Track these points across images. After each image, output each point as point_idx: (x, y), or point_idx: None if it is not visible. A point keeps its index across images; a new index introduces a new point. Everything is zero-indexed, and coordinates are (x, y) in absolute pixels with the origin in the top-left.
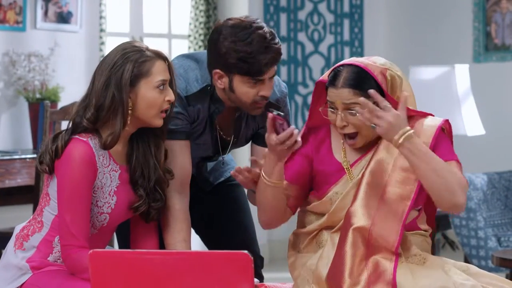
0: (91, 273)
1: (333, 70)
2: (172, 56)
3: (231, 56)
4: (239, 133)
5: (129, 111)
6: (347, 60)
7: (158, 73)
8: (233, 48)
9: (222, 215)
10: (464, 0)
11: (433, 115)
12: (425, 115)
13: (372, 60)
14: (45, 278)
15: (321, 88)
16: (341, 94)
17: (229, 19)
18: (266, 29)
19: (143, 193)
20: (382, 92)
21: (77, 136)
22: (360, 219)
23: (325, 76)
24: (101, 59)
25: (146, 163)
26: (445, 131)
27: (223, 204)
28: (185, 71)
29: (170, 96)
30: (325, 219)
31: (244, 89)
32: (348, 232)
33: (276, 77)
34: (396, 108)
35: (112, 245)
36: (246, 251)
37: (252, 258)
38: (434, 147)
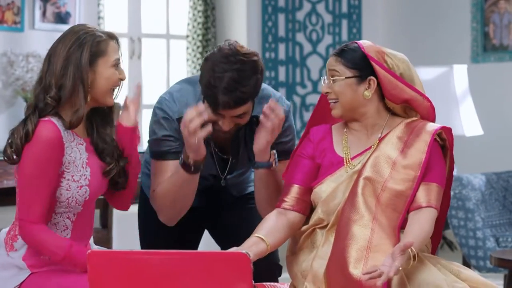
0: (89, 273)
1: None
2: (170, 57)
3: (203, 80)
4: (238, 153)
5: (88, 90)
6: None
7: (113, 52)
8: (207, 74)
9: (241, 226)
10: (462, 1)
11: (433, 107)
12: (425, 98)
13: (379, 46)
14: (42, 278)
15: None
16: (330, 61)
17: (230, 44)
18: (244, 73)
19: (110, 159)
20: (369, 71)
21: (42, 119)
22: (362, 216)
23: None
24: (53, 44)
25: (106, 135)
26: (446, 142)
27: (241, 213)
28: (181, 95)
29: (122, 75)
30: (319, 210)
31: (209, 113)
32: (351, 227)
33: (278, 94)
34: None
35: (110, 246)
36: (244, 251)
37: (250, 258)
38: (429, 157)
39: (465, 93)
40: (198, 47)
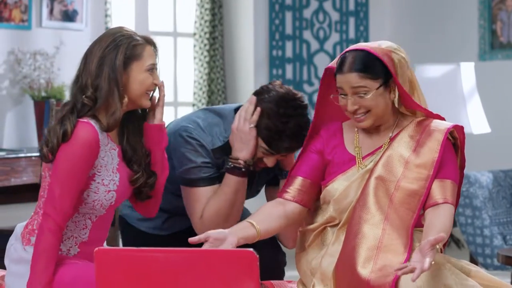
0: (96, 270)
1: (340, 57)
2: (178, 55)
3: (263, 119)
4: (252, 184)
5: (123, 92)
6: (353, 46)
7: (149, 57)
8: (270, 113)
9: None
10: None
11: (443, 118)
12: (433, 116)
13: (378, 44)
14: (59, 272)
15: (330, 76)
16: (348, 79)
17: (282, 86)
18: (304, 118)
19: (138, 167)
20: (388, 73)
21: (80, 120)
22: (373, 216)
23: (334, 63)
24: (91, 45)
25: (136, 143)
26: (457, 140)
27: None
28: (209, 124)
29: (157, 80)
30: (331, 208)
31: (258, 151)
32: (361, 226)
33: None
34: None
35: (117, 244)
36: (251, 249)
37: (257, 256)
38: (442, 156)
39: (472, 90)
40: (205, 45)
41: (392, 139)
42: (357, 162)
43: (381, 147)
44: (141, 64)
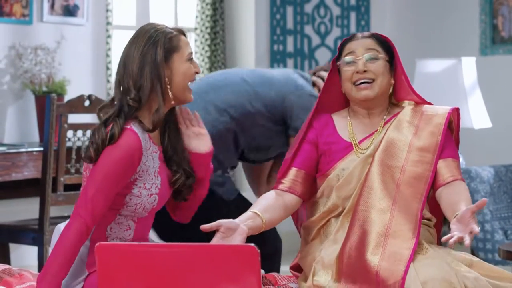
0: (98, 266)
1: (351, 35)
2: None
3: None
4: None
5: (168, 87)
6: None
7: (186, 46)
8: None
9: None
10: None
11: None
12: (427, 103)
13: None
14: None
15: (334, 68)
16: (364, 42)
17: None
18: None
19: (177, 168)
20: (392, 59)
21: (130, 127)
22: (380, 202)
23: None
24: (125, 47)
25: (177, 142)
26: (452, 123)
27: None
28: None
29: (197, 68)
30: (334, 195)
31: None
32: (369, 213)
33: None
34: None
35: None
36: (252, 244)
37: (258, 251)
38: (444, 139)
39: (474, 85)
40: (206, 39)
41: (386, 123)
42: (354, 147)
43: (376, 130)
44: (180, 55)
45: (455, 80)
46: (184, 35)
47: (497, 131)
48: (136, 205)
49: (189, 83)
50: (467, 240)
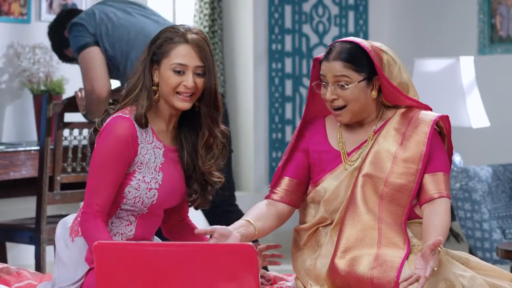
0: (96, 264)
1: (329, 46)
2: None
3: None
4: None
5: (155, 88)
6: (345, 38)
7: (177, 56)
8: None
9: None
10: None
11: (431, 109)
12: (423, 107)
13: (369, 41)
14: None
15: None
16: (332, 67)
17: None
18: None
19: (197, 187)
20: (373, 71)
21: (120, 114)
22: (364, 217)
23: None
24: None
25: (195, 151)
26: (443, 129)
27: None
28: None
29: (187, 82)
30: (322, 209)
31: None
32: (355, 229)
33: None
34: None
35: None
36: (250, 243)
37: (256, 250)
38: (430, 148)
39: (472, 84)
40: None
41: (376, 132)
42: (342, 159)
43: (365, 141)
44: (167, 62)
45: (453, 80)
46: (195, 47)
47: (495, 130)
48: (134, 198)
49: (178, 94)
50: (419, 285)
